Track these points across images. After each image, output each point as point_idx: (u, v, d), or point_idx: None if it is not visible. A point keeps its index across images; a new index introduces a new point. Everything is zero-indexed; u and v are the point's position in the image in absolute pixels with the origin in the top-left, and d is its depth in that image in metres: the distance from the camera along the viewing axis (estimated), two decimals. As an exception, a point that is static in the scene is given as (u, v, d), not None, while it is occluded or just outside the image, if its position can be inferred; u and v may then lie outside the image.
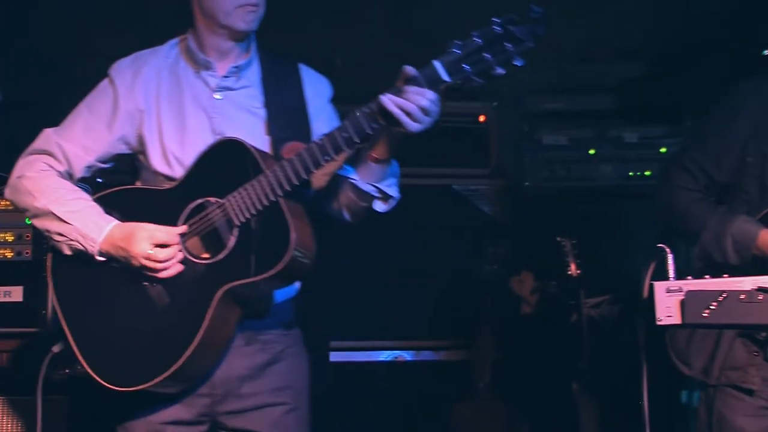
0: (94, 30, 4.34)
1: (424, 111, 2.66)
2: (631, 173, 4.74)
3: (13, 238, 3.89)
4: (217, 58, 2.96)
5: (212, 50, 2.96)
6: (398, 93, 2.66)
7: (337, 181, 2.93)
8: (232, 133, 2.87)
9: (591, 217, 4.75)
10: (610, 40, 4.80)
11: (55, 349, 2.99)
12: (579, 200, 4.77)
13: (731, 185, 3.13)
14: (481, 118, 4.85)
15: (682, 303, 2.61)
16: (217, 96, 2.96)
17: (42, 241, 3.73)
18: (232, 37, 2.95)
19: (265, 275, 2.71)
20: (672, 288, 2.64)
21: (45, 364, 3.03)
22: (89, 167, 2.98)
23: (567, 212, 4.72)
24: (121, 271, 2.84)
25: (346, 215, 2.97)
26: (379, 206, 2.94)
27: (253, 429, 2.91)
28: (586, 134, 4.77)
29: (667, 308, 2.63)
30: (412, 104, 2.64)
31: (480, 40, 2.61)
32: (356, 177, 2.88)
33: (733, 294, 2.58)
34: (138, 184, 3.02)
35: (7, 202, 3.61)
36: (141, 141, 2.95)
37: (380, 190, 2.90)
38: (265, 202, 2.74)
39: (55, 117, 3.03)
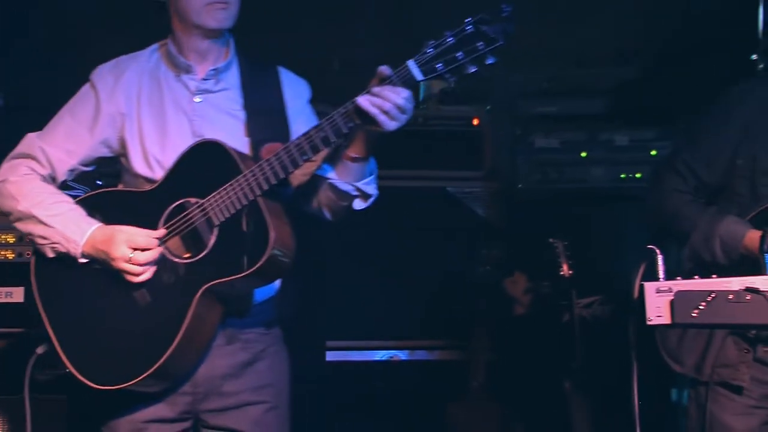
0: (94, 30, 4.34)
1: (401, 109, 2.69)
2: (622, 175, 4.74)
3: (14, 239, 3.90)
4: (196, 61, 2.98)
5: (191, 52, 2.98)
6: (374, 93, 2.69)
7: (316, 180, 2.94)
8: (211, 135, 2.89)
9: (583, 219, 4.75)
10: (601, 45, 4.82)
11: (39, 350, 3.00)
12: (571, 202, 4.77)
13: (722, 187, 3.15)
14: (475, 122, 4.85)
15: (672, 303, 2.62)
16: (197, 99, 2.97)
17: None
18: (207, 36, 2.95)
19: (245, 273, 2.73)
20: (662, 288, 2.65)
21: (30, 365, 3.03)
22: (72, 170, 3.00)
23: (559, 214, 4.71)
24: (103, 272, 2.85)
25: (327, 214, 2.99)
26: (359, 204, 2.95)
27: (235, 427, 2.93)
28: (578, 137, 4.77)
29: (657, 308, 2.64)
30: (389, 103, 2.67)
31: (452, 39, 2.66)
32: (335, 176, 2.90)
33: (722, 294, 2.59)
34: (120, 187, 3.04)
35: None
36: (123, 144, 2.97)
37: (359, 189, 2.91)
38: (245, 202, 2.76)
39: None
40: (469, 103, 4.89)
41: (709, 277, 2.66)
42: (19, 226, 2.96)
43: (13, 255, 3.90)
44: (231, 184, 2.77)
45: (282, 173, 2.76)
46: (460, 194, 4.84)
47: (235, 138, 2.92)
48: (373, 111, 2.69)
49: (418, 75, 2.68)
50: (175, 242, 2.84)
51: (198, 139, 2.90)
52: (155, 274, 2.82)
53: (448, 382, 4.68)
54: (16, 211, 2.93)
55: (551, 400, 4.32)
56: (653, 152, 4.72)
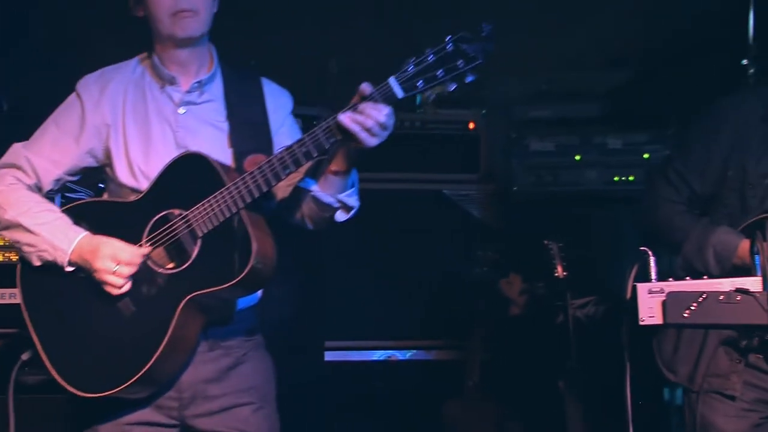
0: (95, 32, 4.34)
1: (382, 126, 2.70)
2: (615, 178, 4.74)
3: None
4: (179, 72, 2.97)
5: (172, 63, 2.97)
6: (356, 110, 2.69)
7: (299, 192, 2.94)
8: (195, 146, 2.88)
9: (577, 221, 4.77)
10: (594, 50, 4.83)
11: (24, 356, 2.99)
12: (565, 204, 4.77)
13: (714, 197, 3.14)
14: (471, 126, 4.87)
15: (664, 304, 2.63)
16: (181, 110, 2.97)
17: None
18: (181, 46, 2.95)
19: (228, 285, 2.74)
20: (654, 289, 2.65)
21: (15, 371, 3.02)
22: (57, 180, 2.99)
23: (554, 216, 4.72)
24: (88, 280, 2.84)
25: (309, 224, 2.99)
26: (341, 216, 2.95)
27: (223, 431, 2.93)
28: (572, 140, 4.77)
29: (650, 309, 2.64)
30: (371, 120, 2.68)
31: (433, 57, 2.66)
32: (317, 189, 2.89)
33: (713, 295, 2.59)
34: (105, 197, 3.03)
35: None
36: (108, 154, 2.96)
37: (341, 201, 2.91)
38: (228, 214, 2.76)
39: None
40: (465, 107, 4.91)
41: (700, 278, 2.67)
42: (6, 234, 2.95)
43: (17, 257, 3.89)
44: (214, 197, 2.77)
45: (265, 187, 2.76)
46: (457, 197, 4.85)
47: (219, 149, 2.92)
48: (355, 128, 2.69)
49: (399, 92, 2.68)
50: (159, 253, 2.84)
51: (182, 150, 2.89)
52: (140, 283, 2.82)
53: (445, 381, 4.69)
54: (2, 219, 2.92)
55: (546, 399, 4.32)
56: (646, 155, 4.73)
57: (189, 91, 2.98)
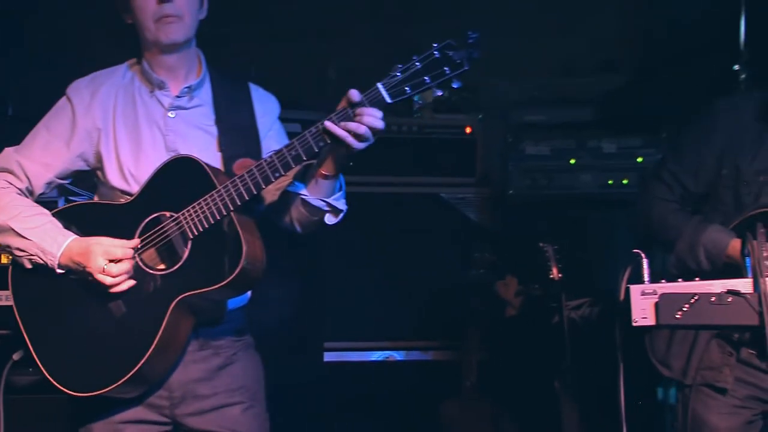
0: (94, 31, 4.34)
1: (373, 131, 2.70)
2: (609, 182, 4.75)
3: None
4: (168, 77, 2.97)
5: (160, 69, 2.98)
6: (346, 115, 2.70)
7: (288, 196, 2.94)
8: (185, 149, 2.89)
9: (572, 224, 4.78)
10: (589, 56, 4.85)
11: (16, 356, 2.96)
12: (560, 207, 4.78)
13: (708, 196, 3.15)
14: (468, 130, 4.87)
15: (657, 305, 2.64)
16: (171, 114, 2.97)
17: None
18: (167, 51, 2.95)
19: (218, 285, 2.74)
20: (647, 291, 2.67)
21: (5, 371, 3.01)
22: (49, 183, 2.99)
23: (549, 219, 4.73)
24: (80, 282, 2.85)
25: (298, 228, 2.98)
26: (330, 219, 2.95)
27: (215, 429, 2.93)
28: (567, 144, 4.78)
29: (642, 310, 2.66)
30: (363, 126, 2.68)
31: (419, 64, 2.67)
32: (306, 193, 2.89)
33: (704, 296, 2.61)
34: (96, 199, 3.03)
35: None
36: (98, 158, 2.97)
37: (330, 204, 2.91)
38: (218, 217, 2.76)
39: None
40: (462, 112, 4.92)
41: (692, 279, 2.68)
42: None
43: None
44: (205, 199, 2.78)
45: (255, 189, 2.76)
46: (454, 200, 4.86)
47: (208, 153, 2.93)
48: (342, 134, 2.70)
49: (387, 98, 2.69)
50: (150, 254, 2.85)
51: (172, 153, 2.90)
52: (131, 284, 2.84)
53: (443, 381, 4.70)
54: None
55: (542, 399, 4.32)
56: (639, 159, 4.74)
57: (179, 96, 2.98)
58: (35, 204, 2.96)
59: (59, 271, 2.86)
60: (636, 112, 4.82)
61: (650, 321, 2.66)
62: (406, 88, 2.68)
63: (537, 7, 4.62)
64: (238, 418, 2.95)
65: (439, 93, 2.70)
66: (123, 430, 2.91)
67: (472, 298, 4.73)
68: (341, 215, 2.95)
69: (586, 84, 4.97)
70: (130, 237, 2.84)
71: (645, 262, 2.71)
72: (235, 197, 2.77)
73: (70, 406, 2.94)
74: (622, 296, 2.71)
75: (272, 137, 3.03)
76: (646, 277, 2.70)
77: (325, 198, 2.89)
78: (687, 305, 2.62)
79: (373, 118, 2.69)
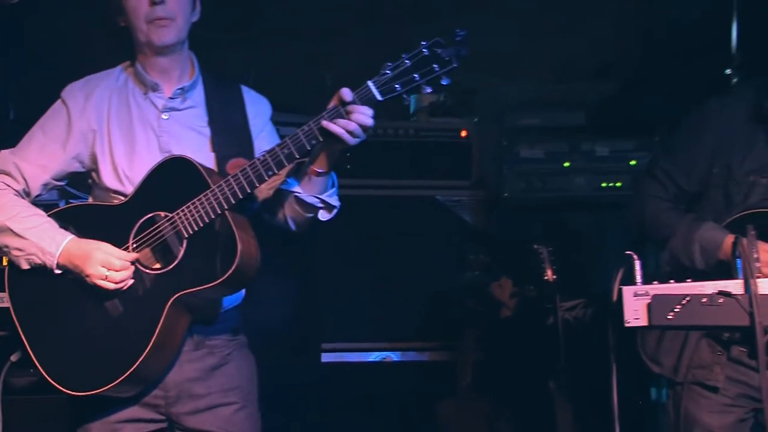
0: (94, 31, 4.33)
1: (364, 128, 2.74)
2: (603, 184, 4.76)
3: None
4: (161, 79, 2.99)
5: (153, 70, 2.99)
6: (338, 113, 2.73)
7: (281, 194, 2.96)
8: (178, 150, 2.91)
9: (566, 226, 4.79)
10: (583, 60, 4.85)
11: (13, 357, 2.97)
12: (554, 210, 4.79)
13: (700, 194, 3.16)
14: (463, 133, 4.87)
15: (649, 306, 2.65)
16: (164, 116, 2.98)
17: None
18: (159, 54, 2.96)
19: (213, 284, 2.76)
20: (639, 292, 2.67)
21: (4, 372, 3.02)
22: (45, 185, 3.01)
23: (543, 221, 4.74)
24: (76, 282, 2.86)
25: (292, 225, 3.00)
26: (324, 216, 2.97)
27: (207, 429, 2.95)
28: (561, 148, 4.79)
29: (635, 311, 2.66)
30: (354, 123, 2.72)
31: (409, 62, 2.70)
32: (299, 190, 2.91)
33: (696, 297, 2.62)
34: (90, 200, 3.04)
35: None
36: (93, 159, 2.98)
37: (323, 201, 2.93)
38: (213, 216, 2.78)
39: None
40: (457, 115, 4.93)
41: (684, 281, 2.69)
42: None
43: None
44: (199, 199, 2.79)
45: (248, 188, 2.78)
46: (449, 202, 4.86)
47: (202, 153, 2.94)
48: (338, 131, 2.73)
49: (377, 95, 2.72)
50: (145, 254, 2.86)
51: (166, 154, 2.92)
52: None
53: (439, 381, 4.69)
54: None
55: (537, 399, 4.32)
56: (632, 162, 4.75)
57: (172, 98, 2.99)
58: (32, 205, 2.98)
59: (57, 271, 2.86)
60: (629, 116, 4.83)
61: (643, 322, 2.67)
62: (396, 86, 2.70)
63: (536, 7, 4.62)
64: (230, 418, 2.97)
65: (429, 90, 2.72)
66: (120, 429, 2.92)
67: (468, 299, 4.73)
68: (335, 211, 2.98)
69: (580, 88, 4.99)
70: (125, 237, 2.86)
71: (637, 264, 2.72)
72: (229, 196, 2.78)
73: (67, 406, 2.95)
74: (615, 297, 2.71)
75: (264, 138, 3.04)
76: (638, 279, 2.71)
77: (318, 195, 2.91)
78: (679, 306, 2.63)
79: (364, 115, 2.73)
